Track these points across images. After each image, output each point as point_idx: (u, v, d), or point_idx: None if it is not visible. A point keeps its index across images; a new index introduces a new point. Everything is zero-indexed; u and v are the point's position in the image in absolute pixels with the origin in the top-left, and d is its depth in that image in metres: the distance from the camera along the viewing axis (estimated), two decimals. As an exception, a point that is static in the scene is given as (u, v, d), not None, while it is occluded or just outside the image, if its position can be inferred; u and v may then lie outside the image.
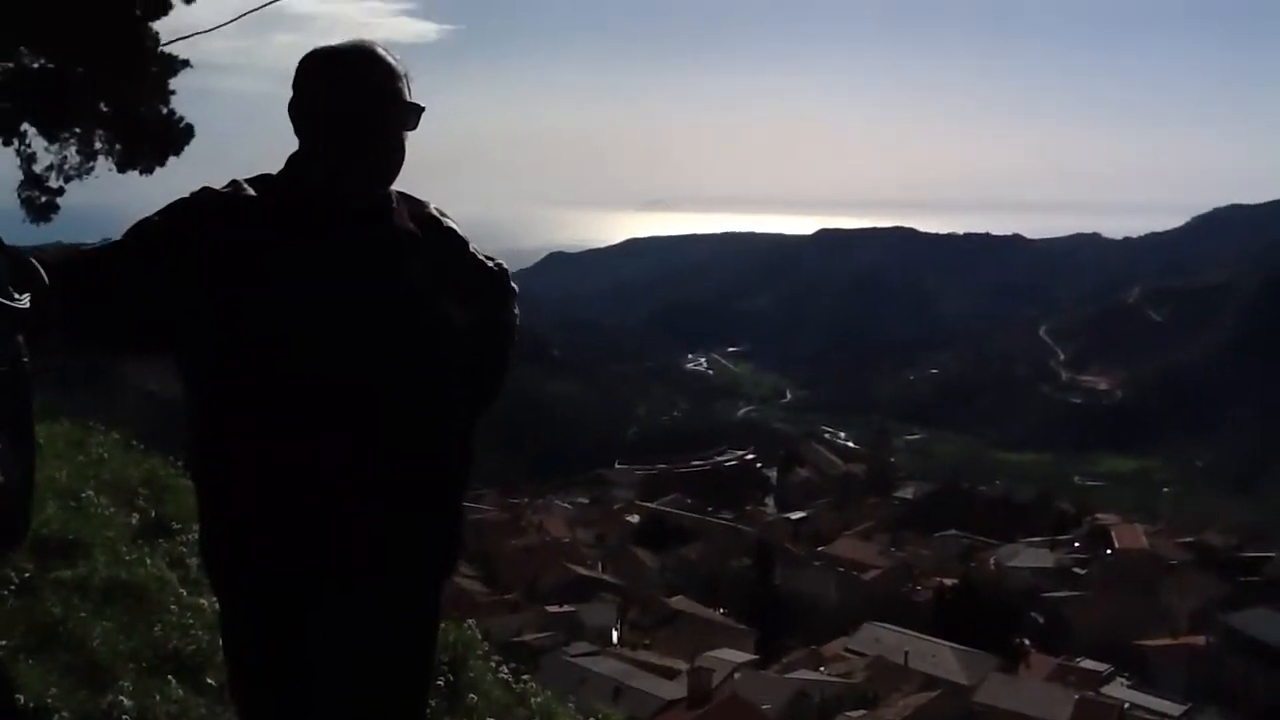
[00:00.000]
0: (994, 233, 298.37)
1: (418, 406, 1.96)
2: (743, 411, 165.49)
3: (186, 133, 12.14)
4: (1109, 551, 62.19)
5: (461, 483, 2.17)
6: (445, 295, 2.03)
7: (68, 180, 12.21)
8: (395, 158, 1.99)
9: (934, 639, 42.61)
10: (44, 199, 12.10)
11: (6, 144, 11.88)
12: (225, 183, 1.96)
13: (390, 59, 1.98)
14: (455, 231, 2.16)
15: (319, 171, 1.95)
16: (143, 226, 1.87)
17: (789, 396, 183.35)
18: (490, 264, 2.22)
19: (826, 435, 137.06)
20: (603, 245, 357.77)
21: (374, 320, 1.90)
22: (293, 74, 1.99)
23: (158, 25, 11.29)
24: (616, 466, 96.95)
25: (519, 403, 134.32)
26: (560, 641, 43.30)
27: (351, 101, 1.92)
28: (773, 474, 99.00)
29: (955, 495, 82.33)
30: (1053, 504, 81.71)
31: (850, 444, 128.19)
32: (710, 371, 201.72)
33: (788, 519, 76.31)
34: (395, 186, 2.05)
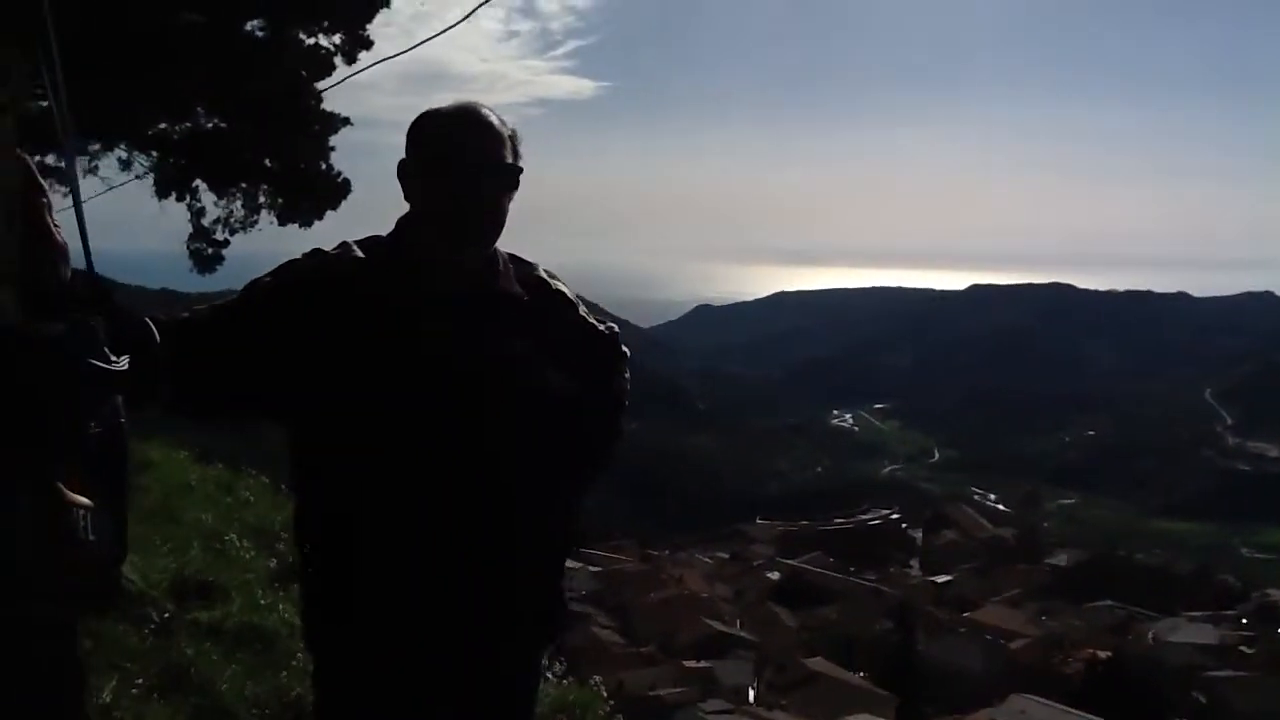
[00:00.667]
0: (1156, 290, 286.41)
1: (518, 474, 1.93)
2: (888, 469, 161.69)
3: (344, 187, 12.49)
4: (1279, 630, 58.48)
5: (563, 551, 2.13)
6: (548, 360, 1.98)
7: (233, 233, 12.72)
8: (493, 222, 1.98)
9: (1084, 714, 40.69)
10: (210, 250, 12.65)
11: (179, 199, 12.50)
12: (336, 244, 2.00)
13: (493, 120, 1.98)
14: (564, 294, 2.12)
15: (421, 235, 1.97)
16: (251, 291, 1.91)
17: (936, 455, 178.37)
18: (601, 328, 2.17)
19: (975, 496, 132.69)
20: (750, 298, 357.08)
21: (479, 386, 1.88)
22: (425, 126, 2.00)
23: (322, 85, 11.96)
24: (757, 522, 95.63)
25: (660, 454, 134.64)
26: (695, 698, 42.80)
27: (450, 167, 1.93)
28: (918, 535, 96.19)
29: (1110, 563, 78.47)
30: (1216, 577, 77.16)
31: (999, 506, 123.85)
32: (855, 428, 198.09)
33: (932, 582, 73.89)
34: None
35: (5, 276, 1.46)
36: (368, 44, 11.31)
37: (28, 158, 1.52)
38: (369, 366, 1.84)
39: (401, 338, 1.86)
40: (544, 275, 2.11)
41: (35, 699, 1.45)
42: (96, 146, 11.53)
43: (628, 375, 2.23)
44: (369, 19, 11.26)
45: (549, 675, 5.68)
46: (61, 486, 1.37)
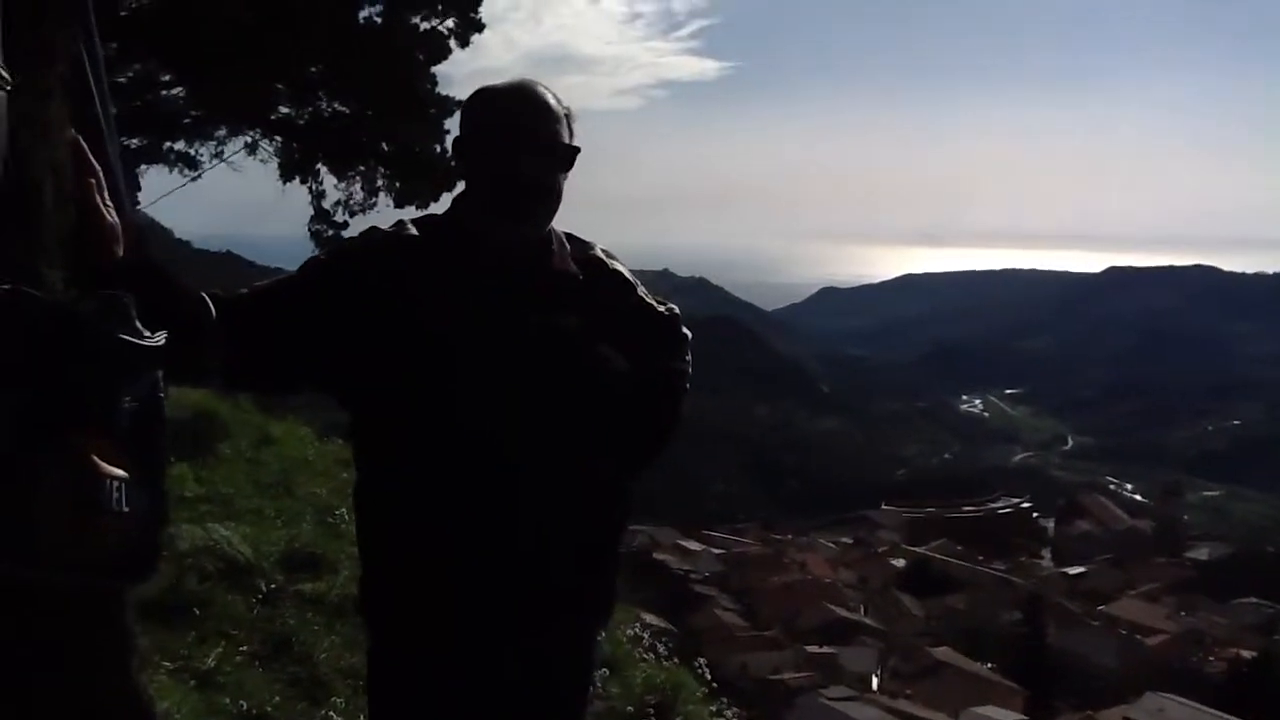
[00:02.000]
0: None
1: (573, 452, 1.91)
2: (1019, 457, 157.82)
3: (457, 170, 12.70)
4: None
5: (618, 531, 2.09)
6: (605, 339, 1.95)
7: (352, 215, 12.92)
8: (548, 202, 1.95)
9: (1226, 715, 39.13)
10: (330, 232, 12.87)
11: (303, 182, 12.80)
12: (393, 223, 1.98)
13: (550, 99, 1.94)
14: (622, 274, 2.09)
15: (476, 214, 1.95)
16: (308, 267, 1.92)
17: (1070, 443, 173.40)
18: (660, 308, 2.14)
19: (1111, 486, 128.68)
20: (876, 280, 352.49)
21: (529, 363, 1.87)
22: (481, 103, 1.97)
23: (437, 69, 12.20)
24: (883, 508, 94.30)
25: (784, 438, 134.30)
26: (818, 683, 42.67)
27: (494, 145, 1.91)
28: (1050, 525, 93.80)
29: (1256, 559, 75.05)
30: (1372, 575, 73.30)
31: (1137, 497, 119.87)
32: (986, 414, 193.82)
33: (1064, 574, 71.91)
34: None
35: (54, 257, 1.49)
36: (479, 26, 11.47)
37: (79, 138, 1.54)
38: (420, 342, 1.83)
39: (452, 314, 1.85)
40: (601, 254, 2.08)
41: (64, 667, 1.48)
42: (223, 132, 11.98)
43: (689, 358, 2.18)
44: (479, 1, 11.42)
45: (650, 656, 5.69)
46: (95, 458, 1.39)
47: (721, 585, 61.86)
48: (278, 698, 3.70)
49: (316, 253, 2.01)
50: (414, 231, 1.95)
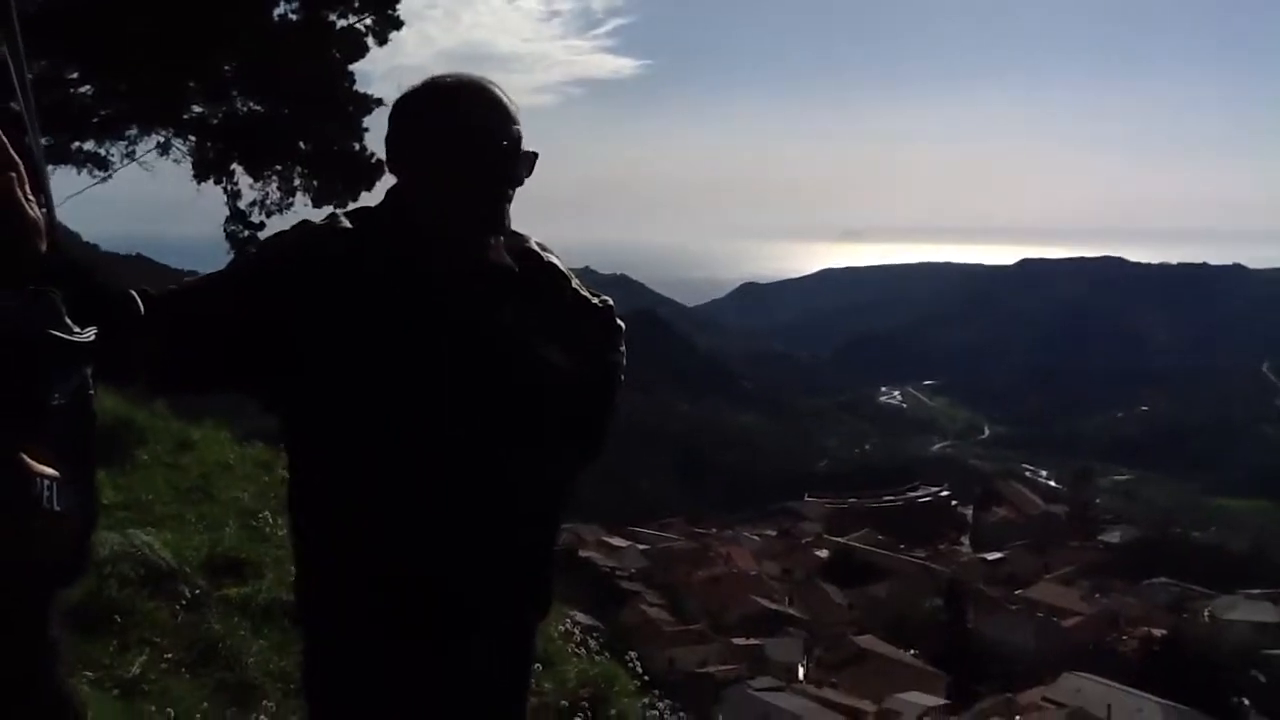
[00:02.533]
0: (1211, 262, 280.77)
1: (511, 449, 1.88)
2: (937, 447, 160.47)
3: (377, 168, 12.27)
4: (1341, 608, 57.36)
5: (556, 527, 2.09)
6: (542, 332, 1.93)
7: (269, 215, 12.79)
8: (507, 207, 1.93)
9: (1140, 693, 40.26)
10: (246, 233, 12.70)
11: (217, 182, 12.62)
12: (326, 216, 1.92)
13: (509, 102, 1.91)
14: (556, 267, 2.05)
15: (426, 213, 1.89)
16: (244, 263, 1.89)
17: (987, 432, 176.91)
18: (595, 300, 2.10)
19: (1026, 474, 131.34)
20: (797, 276, 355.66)
21: (468, 359, 1.84)
22: (434, 99, 1.90)
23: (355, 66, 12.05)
24: (805, 499, 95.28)
25: (708, 433, 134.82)
26: (745, 675, 42.98)
27: (487, 153, 1.86)
28: (968, 512, 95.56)
29: (1165, 541, 77.50)
30: (1274, 555, 75.99)
31: (1052, 483, 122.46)
32: (904, 405, 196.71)
33: (983, 559, 73.34)
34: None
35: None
36: (398, 24, 11.37)
37: None
38: (358, 343, 1.79)
39: (392, 315, 1.81)
40: (535, 247, 2.04)
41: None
42: (134, 131, 11.70)
43: (624, 350, 2.16)
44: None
45: (582, 651, 5.70)
46: (25, 458, 1.36)
47: (647, 581, 61.90)
48: (206, 704, 3.63)
49: (250, 249, 1.92)
50: (347, 225, 1.89)
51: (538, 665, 4.66)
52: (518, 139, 1.90)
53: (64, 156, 11.30)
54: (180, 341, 1.76)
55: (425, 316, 1.83)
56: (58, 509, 1.38)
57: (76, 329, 1.44)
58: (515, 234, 2.02)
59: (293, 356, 1.80)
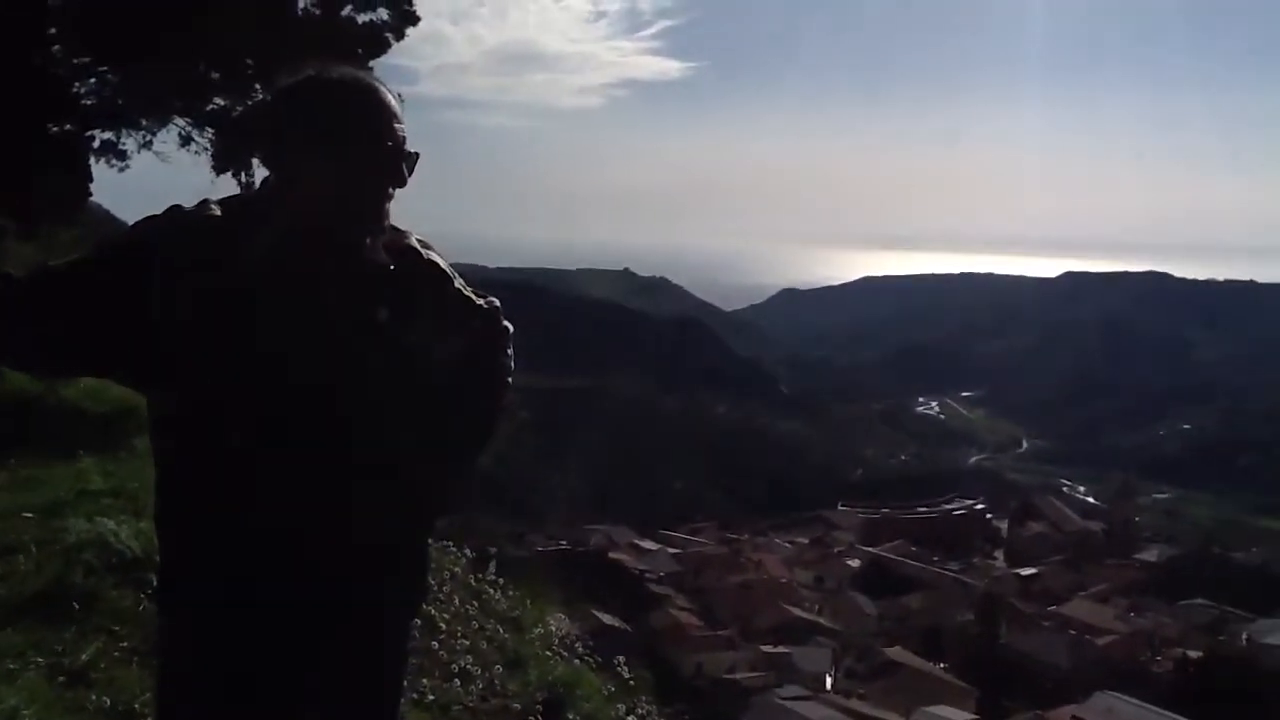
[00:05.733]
0: (1259, 280, 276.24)
1: (378, 448, 1.86)
2: (975, 459, 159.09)
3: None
4: (1383, 634, 56.16)
5: (426, 526, 2.08)
6: (415, 331, 1.90)
7: None
8: (388, 206, 1.88)
9: (1174, 715, 39.63)
10: None
11: (235, 175, 12.59)
12: (197, 202, 1.87)
13: (395, 101, 1.88)
14: (437, 265, 2.01)
15: (305, 206, 1.82)
16: (106, 246, 1.81)
17: (1025, 446, 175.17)
18: (478, 300, 2.08)
19: (1064, 489, 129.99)
20: (837, 283, 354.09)
21: (334, 356, 1.81)
22: (321, 93, 1.83)
23: (375, 63, 12.02)
24: (839, 508, 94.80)
25: (742, 438, 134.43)
26: (773, 683, 42.84)
27: (366, 144, 1.81)
28: (1004, 526, 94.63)
29: (1205, 561, 76.19)
30: (1317, 578, 74.49)
31: (1090, 499, 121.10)
32: (942, 416, 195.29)
33: (1018, 574, 72.58)
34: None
35: None
36: (414, 20, 11.37)
37: None
38: (224, 335, 1.74)
39: (261, 307, 1.77)
40: (415, 244, 1.99)
41: None
42: (152, 122, 11.77)
43: (510, 351, 2.16)
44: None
45: (564, 654, 5.61)
46: None
47: (678, 585, 62.00)
48: (149, 694, 3.58)
49: (120, 229, 1.86)
50: (217, 213, 1.83)
51: (498, 666, 4.58)
52: (403, 138, 1.86)
53: (83, 146, 11.44)
54: (45, 323, 1.73)
55: (295, 311, 1.79)
56: None
57: None
58: (396, 230, 1.96)
59: (152, 342, 1.75)
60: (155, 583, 1.99)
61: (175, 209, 1.83)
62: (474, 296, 2.07)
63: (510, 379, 2.17)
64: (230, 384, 1.75)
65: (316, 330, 1.80)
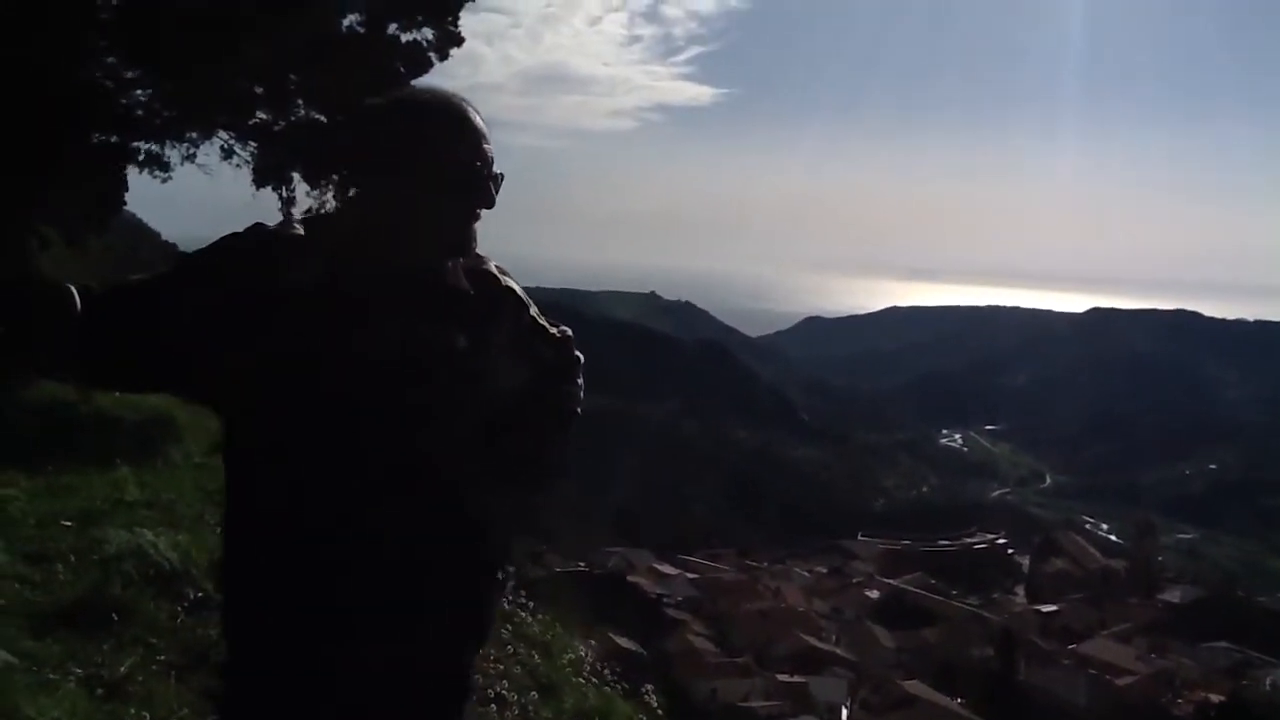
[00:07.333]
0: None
1: (454, 474, 1.81)
2: (997, 493, 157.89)
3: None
4: None
5: (496, 554, 1.98)
6: (490, 357, 1.87)
7: None
8: (474, 229, 1.86)
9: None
10: None
11: (275, 189, 12.67)
12: (279, 221, 1.84)
13: (482, 122, 1.85)
14: (514, 291, 1.99)
15: (390, 229, 1.81)
16: (187, 263, 1.78)
17: (1048, 481, 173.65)
18: (552, 330, 2.06)
19: (1087, 525, 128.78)
20: (863, 312, 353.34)
21: (409, 378, 1.76)
22: (408, 115, 1.82)
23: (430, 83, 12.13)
24: (859, 538, 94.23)
25: (765, 463, 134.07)
26: (787, 712, 42.52)
27: (454, 167, 1.79)
28: (1025, 562, 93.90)
29: (1229, 603, 75.19)
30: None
31: (1112, 537, 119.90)
32: (965, 448, 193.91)
33: (1037, 611, 71.85)
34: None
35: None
36: (458, 40, 11.41)
37: None
38: (302, 355, 1.70)
39: (341, 329, 1.72)
40: (494, 270, 1.97)
41: None
42: (195, 134, 11.85)
43: (581, 381, 2.12)
44: (455, 13, 11.33)
45: (594, 680, 5.57)
46: None
47: (695, 610, 61.68)
48: (186, 709, 3.55)
49: (200, 247, 1.82)
50: (300, 233, 1.80)
51: (533, 693, 4.55)
52: (490, 160, 1.84)
53: (126, 157, 11.51)
54: (115, 338, 1.69)
55: (379, 338, 1.75)
56: None
57: None
58: (477, 255, 1.94)
59: (224, 363, 1.71)
60: (222, 628, 1.90)
61: (257, 226, 1.81)
62: (548, 325, 2.05)
63: (579, 409, 2.12)
64: (308, 412, 1.71)
65: (400, 359, 1.76)
